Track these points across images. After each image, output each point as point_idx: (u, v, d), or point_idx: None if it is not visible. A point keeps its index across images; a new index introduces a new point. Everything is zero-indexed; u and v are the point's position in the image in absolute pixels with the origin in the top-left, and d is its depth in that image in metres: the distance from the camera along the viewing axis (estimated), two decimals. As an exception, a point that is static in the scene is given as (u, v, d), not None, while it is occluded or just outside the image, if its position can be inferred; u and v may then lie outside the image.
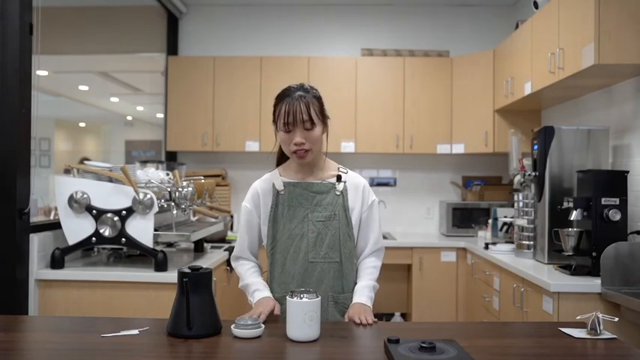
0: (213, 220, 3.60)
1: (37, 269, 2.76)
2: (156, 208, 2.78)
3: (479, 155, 4.90)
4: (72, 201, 2.77)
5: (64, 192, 2.79)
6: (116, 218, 2.77)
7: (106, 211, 2.77)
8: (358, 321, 1.69)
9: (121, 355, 1.42)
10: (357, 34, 5.04)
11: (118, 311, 2.70)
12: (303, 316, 1.49)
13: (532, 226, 3.30)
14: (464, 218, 4.64)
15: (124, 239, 2.77)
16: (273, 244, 1.84)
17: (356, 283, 1.88)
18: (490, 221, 4.28)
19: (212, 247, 3.66)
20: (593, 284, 2.57)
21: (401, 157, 5.02)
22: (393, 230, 4.97)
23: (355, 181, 1.90)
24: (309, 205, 1.83)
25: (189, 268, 1.60)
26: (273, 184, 1.86)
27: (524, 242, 3.36)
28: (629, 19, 2.64)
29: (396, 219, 5.01)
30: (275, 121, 1.81)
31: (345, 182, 1.87)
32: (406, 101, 4.69)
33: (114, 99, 5.22)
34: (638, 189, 2.94)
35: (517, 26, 4.05)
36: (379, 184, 5.05)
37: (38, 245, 2.76)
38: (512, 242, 3.59)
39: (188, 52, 5.05)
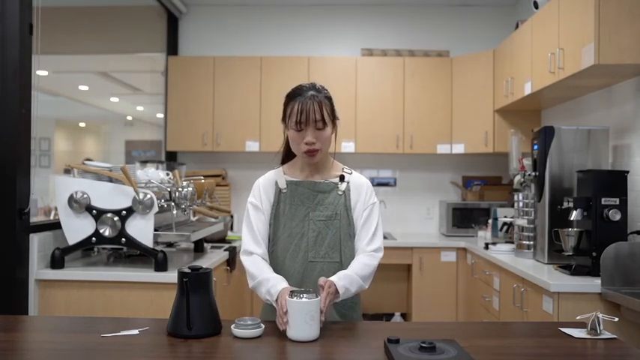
0: (213, 220, 3.60)
1: (37, 269, 2.76)
2: (156, 208, 2.78)
3: (479, 155, 4.90)
4: (72, 201, 2.77)
5: (64, 192, 2.78)
6: (116, 218, 2.77)
7: (106, 211, 2.77)
8: (324, 288, 1.58)
9: (121, 355, 1.42)
10: (357, 34, 5.04)
11: (118, 311, 2.70)
12: (304, 316, 1.49)
13: (532, 226, 3.30)
14: (464, 218, 4.64)
15: (124, 239, 2.77)
16: (273, 241, 1.83)
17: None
18: (490, 221, 4.28)
19: (212, 247, 3.66)
20: (593, 284, 2.57)
21: (401, 157, 5.02)
22: (393, 230, 4.97)
23: (358, 181, 1.89)
24: (310, 204, 1.82)
25: (189, 268, 1.60)
26: (276, 182, 1.85)
27: (524, 242, 3.36)
28: (629, 19, 2.64)
29: (396, 219, 5.01)
30: (284, 120, 1.81)
31: (348, 182, 1.86)
32: (406, 101, 4.69)
33: (114, 99, 5.22)
34: (638, 189, 2.94)
35: (517, 26, 4.05)
36: (379, 184, 5.05)
37: (38, 245, 2.76)
38: (512, 242, 3.59)
39: (188, 52, 5.05)
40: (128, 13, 4.72)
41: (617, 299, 2.42)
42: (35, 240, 2.75)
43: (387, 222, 4.97)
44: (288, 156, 1.94)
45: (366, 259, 1.80)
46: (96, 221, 2.78)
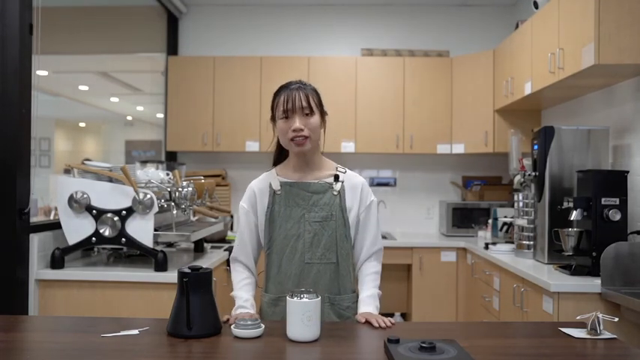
0: (213, 220, 3.60)
1: (37, 269, 2.76)
2: (156, 208, 2.78)
3: (479, 155, 4.90)
4: (72, 201, 2.77)
5: (64, 192, 2.78)
6: (116, 218, 2.77)
7: (106, 211, 2.77)
8: (376, 324, 1.68)
9: (121, 355, 1.42)
10: (357, 34, 5.04)
11: (118, 311, 2.70)
12: (302, 316, 1.49)
13: (532, 226, 3.30)
14: (464, 218, 4.64)
15: (124, 239, 2.77)
16: (269, 244, 1.83)
17: (353, 288, 1.87)
18: (490, 221, 4.28)
19: (212, 247, 3.66)
20: (593, 284, 2.57)
21: (401, 157, 5.02)
22: (393, 230, 4.97)
23: (353, 180, 1.88)
24: (305, 205, 1.81)
25: (189, 268, 1.60)
26: (270, 184, 1.85)
27: (524, 242, 3.36)
28: (629, 19, 2.64)
29: (396, 219, 5.01)
30: (273, 116, 1.82)
31: (342, 182, 1.85)
32: (406, 101, 4.69)
33: (114, 99, 5.22)
34: (638, 189, 2.94)
35: (517, 26, 4.05)
36: (379, 184, 5.05)
37: (38, 245, 2.76)
38: (512, 242, 3.59)
39: (188, 52, 5.06)
40: (128, 13, 4.72)
41: (617, 299, 2.42)
42: (35, 240, 2.75)
43: (387, 222, 4.98)
44: (279, 158, 1.94)
45: (374, 267, 1.89)
46: (96, 221, 2.78)
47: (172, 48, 4.96)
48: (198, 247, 3.46)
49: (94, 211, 2.78)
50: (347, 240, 1.83)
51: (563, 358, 1.43)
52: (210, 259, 3.18)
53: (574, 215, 2.80)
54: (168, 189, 2.97)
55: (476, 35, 4.97)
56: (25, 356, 1.47)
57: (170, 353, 1.45)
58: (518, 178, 3.51)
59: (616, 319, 1.63)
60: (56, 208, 2.88)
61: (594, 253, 2.71)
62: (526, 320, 2.86)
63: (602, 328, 1.61)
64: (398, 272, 4.61)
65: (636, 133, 3.00)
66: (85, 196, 2.78)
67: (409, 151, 4.68)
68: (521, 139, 3.82)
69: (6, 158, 2.59)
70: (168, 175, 3.15)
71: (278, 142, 1.87)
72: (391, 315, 4.53)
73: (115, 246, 2.83)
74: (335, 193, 1.83)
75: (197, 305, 1.54)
